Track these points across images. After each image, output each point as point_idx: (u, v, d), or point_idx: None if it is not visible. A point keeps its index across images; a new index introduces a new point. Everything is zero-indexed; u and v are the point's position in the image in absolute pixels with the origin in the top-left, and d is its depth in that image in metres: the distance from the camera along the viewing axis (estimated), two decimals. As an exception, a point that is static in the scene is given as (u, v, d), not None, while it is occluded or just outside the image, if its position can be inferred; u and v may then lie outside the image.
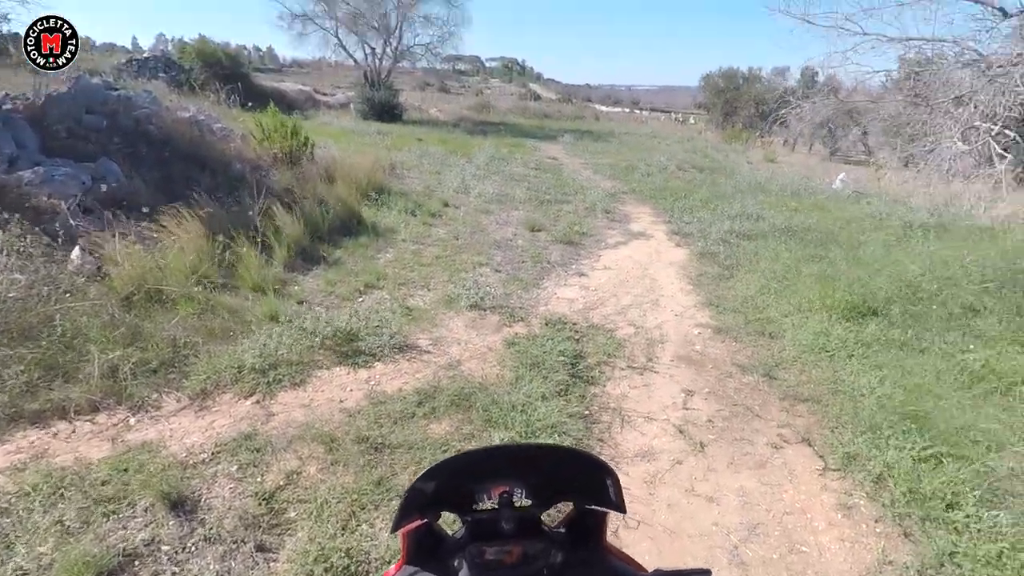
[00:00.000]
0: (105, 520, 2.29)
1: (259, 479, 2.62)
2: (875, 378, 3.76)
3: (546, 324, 4.47)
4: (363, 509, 2.46)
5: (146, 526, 2.29)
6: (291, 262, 5.30)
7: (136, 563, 2.13)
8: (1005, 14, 5.46)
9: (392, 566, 0.86)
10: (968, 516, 2.52)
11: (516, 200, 8.97)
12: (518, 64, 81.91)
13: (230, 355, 3.55)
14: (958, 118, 5.86)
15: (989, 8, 5.51)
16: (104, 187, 5.31)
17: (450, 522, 0.91)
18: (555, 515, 1.05)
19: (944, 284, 5.19)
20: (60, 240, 4.13)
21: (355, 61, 24.39)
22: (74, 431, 2.85)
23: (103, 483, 2.48)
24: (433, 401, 3.31)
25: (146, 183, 5.78)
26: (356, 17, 22.62)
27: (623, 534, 2.45)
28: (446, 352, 3.98)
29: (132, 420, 2.99)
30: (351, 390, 3.42)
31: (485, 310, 4.66)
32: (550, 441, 2.88)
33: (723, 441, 3.19)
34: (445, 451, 2.85)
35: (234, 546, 2.25)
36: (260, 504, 2.46)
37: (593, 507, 0.88)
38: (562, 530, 0.92)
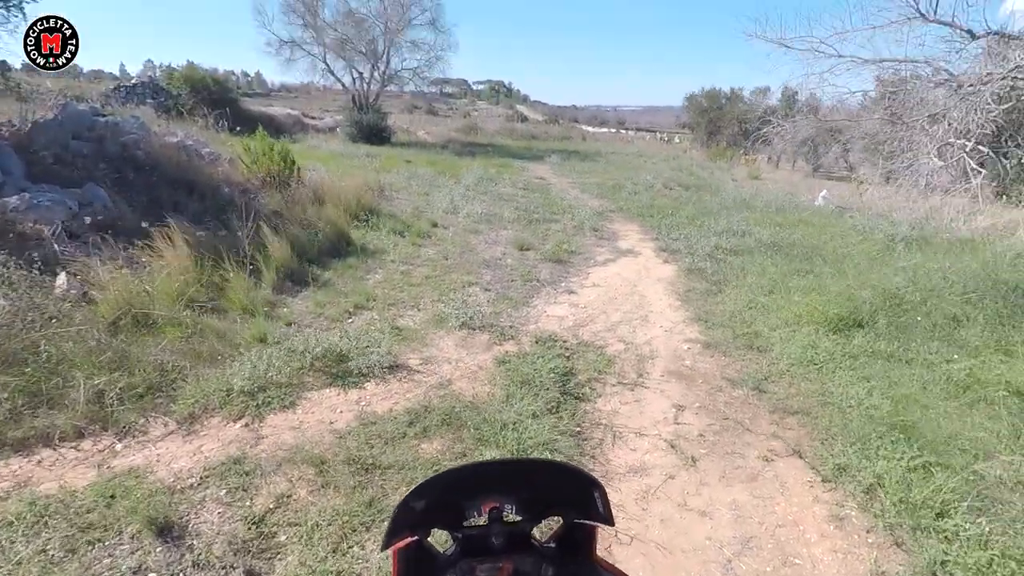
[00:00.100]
0: (91, 548, 2.25)
1: (248, 503, 2.58)
2: (863, 389, 3.80)
3: (536, 342, 4.48)
4: (354, 531, 2.43)
5: (133, 553, 2.25)
6: (280, 284, 5.29)
7: (122, 592, 2.08)
8: (973, 35, 5.67)
9: None
10: (958, 524, 2.53)
11: (505, 220, 9.03)
12: (505, 86, 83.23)
13: (218, 378, 3.51)
14: (933, 135, 6.03)
15: (958, 30, 5.72)
16: (90, 213, 5.30)
17: (442, 541, 0.91)
18: (545, 530, 1.06)
19: (927, 295, 5.27)
20: (45, 266, 4.10)
21: (343, 85, 24.59)
22: (59, 458, 2.80)
23: (88, 510, 2.44)
24: (424, 421, 3.29)
25: (133, 208, 5.78)
26: (344, 43, 22.85)
27: (616, 550, 2.44)
28: (437, 371, 3.97)
29: (118, 446, 2.94)
30: (341, 411, 3.40)
31: (475, 329, 4.67)
32: (541, 457, 2.88)
33: (715, 455, 3.20)
34: (436, 470, 2.82)
35: (223, 572, 2.21)
36: (250, 528, 2.42)
37: (582, 520, 0.89)
38: (552, 545, 0.92)
